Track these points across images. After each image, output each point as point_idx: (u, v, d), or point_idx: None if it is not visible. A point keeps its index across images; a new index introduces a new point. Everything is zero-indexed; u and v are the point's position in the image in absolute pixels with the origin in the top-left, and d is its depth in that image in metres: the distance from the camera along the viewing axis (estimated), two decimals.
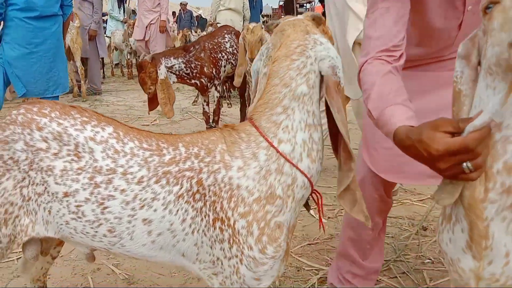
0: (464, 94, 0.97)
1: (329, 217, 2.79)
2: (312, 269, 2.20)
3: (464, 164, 0.89)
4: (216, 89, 4.39)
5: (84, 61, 7.22)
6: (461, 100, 0.98)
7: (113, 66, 10.55)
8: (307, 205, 1.24)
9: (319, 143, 1.15)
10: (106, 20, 11.36)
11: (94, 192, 1.15)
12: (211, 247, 1.14)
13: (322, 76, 1.13)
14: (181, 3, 14.73)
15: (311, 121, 1.13)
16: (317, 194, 1.21)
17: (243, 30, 4.04)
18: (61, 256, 2.26)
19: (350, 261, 1.83)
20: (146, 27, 7.27)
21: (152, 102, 3.91)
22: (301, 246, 2.44)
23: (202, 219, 1.13)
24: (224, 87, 5.22)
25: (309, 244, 2.47)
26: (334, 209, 2.89)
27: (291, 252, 2.37)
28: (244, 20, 7.30)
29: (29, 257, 1.37)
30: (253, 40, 3.84)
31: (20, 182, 1.21)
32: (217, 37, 4.47)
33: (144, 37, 7.32)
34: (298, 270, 2.20)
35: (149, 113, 4.17)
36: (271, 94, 1.11)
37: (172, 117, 3.91)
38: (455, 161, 0.90)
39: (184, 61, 3.99)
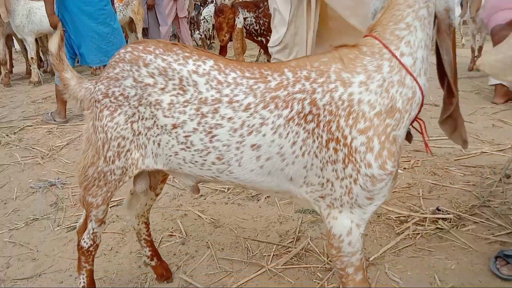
0: None
1: (405, 168, 2.75)
2: (397, 216, 2.20)
3: None
4: None
5: (144, 31, 7.41)
6: None
7: (170, 37, 10.73)
8: (409, 135, 1.24)
9: (429, 67, 1.16)
10: None
11: (201, 122, 1.21)
12: (321, 169, 1.16)
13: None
14: None
15: (429, 43, 1.14)
16: (420, 121, 1.20)
17: None
18: None
19: None
20: None
21: (221, 54, 3.95)
22: None
23: (314, 141, 1.14)
24: None
25: None
26: (409, 161, 2.84)
27: None
28: None
29: (139, 190, 1.48)
30: None
31: (130, 117, 1.29)
32: None
33: None
34: (378, 216, 2.21)
35: None
36: (395, 10, 1.12)
37: None
38: None
39: (255, 16, 3.99)
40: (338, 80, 1.12)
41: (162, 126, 1.26)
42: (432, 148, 3.00)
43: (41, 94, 5.51)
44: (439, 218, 2.12)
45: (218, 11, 3.77)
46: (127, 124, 1.30)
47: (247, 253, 1.97)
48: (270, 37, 4.29)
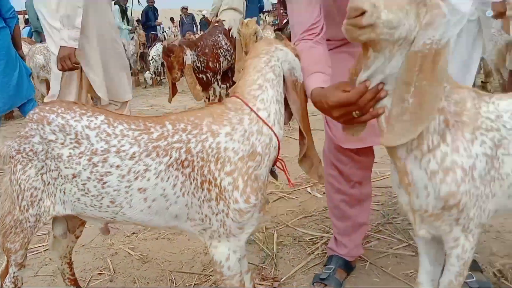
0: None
1: (324, 193, 3.01)
2: (310, 238, 2.43)
3: (353, 112, 1.20)
4: (218, 83, 4.68)
5: None
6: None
7: None
8: (273, 174, 1.48)
9: (283, 117, 1.43)
10: None
11: (93, 171, 1.39)
12: (199, 207, 1.37)
13: None
14: (182, 8, 14.85)
15: (280, 99, 1.41)
16: (281, 161, 1.46)
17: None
18: (83, 245, 2.53)
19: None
20: None
21: (173, 90, 4.14)
22: (298, 219, 2.67)
23: (191, 183, 1.35)
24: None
25: (305, 217, 2.70)
26: None
27: (288, 223, 2.61)
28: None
29: (58, 234, 1.63)
30: (248, 33, 4.11)
31: (40, 170, 1.46)
32: (213, 35, 4.77)
33: None
34: (294, 239, 2.43)
35: (170, 101, 4.30)
36: (248, 76, 1.41)
37: (201, 100, 4.09)
38: (345, 111, 1.22)
39: (196, 54, 4.26)
40: (208, 131, 1.34)
41: (65, 176, 1.43)
42: None
43: None
44: None
45: (168, 51, 3.93)
46: (37, 176, 1.47)
47: (171, 285, 2.13)
48: (209, 73, 4.59)
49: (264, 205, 1.41)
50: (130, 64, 9.78)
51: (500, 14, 3.99)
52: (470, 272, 1.88)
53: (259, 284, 2.05)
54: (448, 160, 1.18)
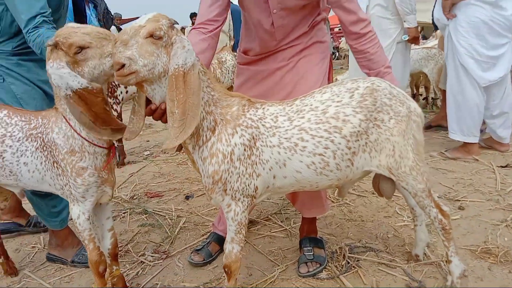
0: None
1: None
2: (211, 222, 2.90)
3: None
4: None
5: None
6: None
7: None
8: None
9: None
10: None
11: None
12: (56, 179, 1.85)
13: None
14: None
15: None
16: (112, 150, 1.92)
17: None
18: None
19: None
20: None
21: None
22: (209, 210, 3.13)
23: (48, 161, 1.84)
24: None
25: (217, 209, 3.16)
26: None
27: (199, 213, 3.09)
28: (230, 40, 7.59)
29: None
30: None
31: None
32: None
33: None
34: (196, 225, 2.90)
35: None
36: None
37: None
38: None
39: None
40: (49, 128, 1.82)
41: None
42: None
43: None
44: None
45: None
46: None
47: None
48: None
49: (110, 180, 1.90)
50: None
51: (414, 39, 4.48)
52: (310, 247, 2.34)
53: (151, 255, 2.54)
54: (214, 148, 1.65)
